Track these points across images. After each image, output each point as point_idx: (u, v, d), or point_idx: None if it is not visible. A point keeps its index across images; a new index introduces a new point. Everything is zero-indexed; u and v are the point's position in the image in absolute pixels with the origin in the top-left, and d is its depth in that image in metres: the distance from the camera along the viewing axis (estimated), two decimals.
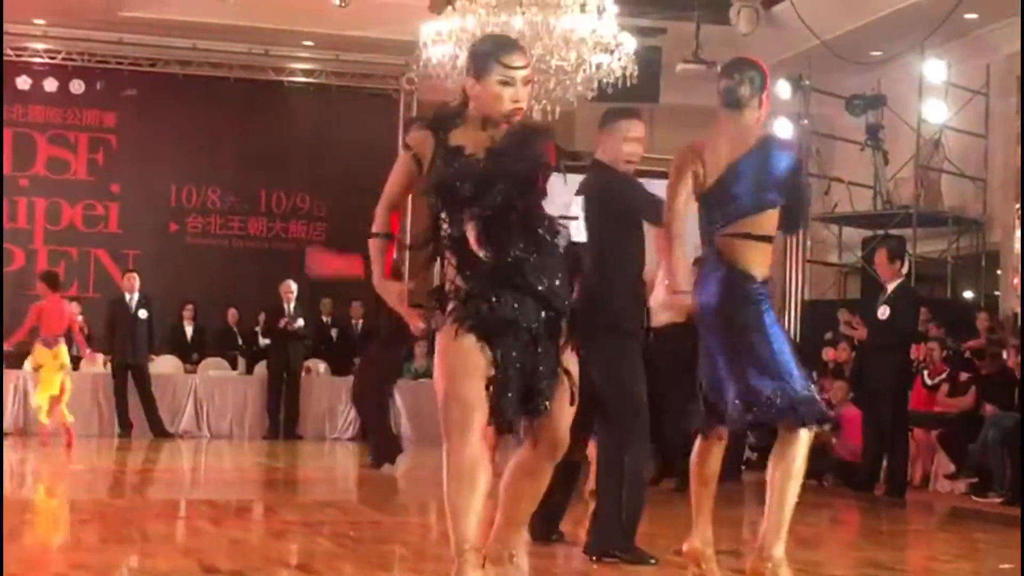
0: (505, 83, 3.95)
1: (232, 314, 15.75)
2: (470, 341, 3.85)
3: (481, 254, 3.85)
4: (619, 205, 5.44)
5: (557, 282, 3.93)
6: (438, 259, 4.01)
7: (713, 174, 4.63)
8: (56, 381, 12.37)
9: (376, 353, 11.04)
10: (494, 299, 3.86)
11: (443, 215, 3.96)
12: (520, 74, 3.96)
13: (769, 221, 4.64)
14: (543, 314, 3.91)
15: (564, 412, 3.97)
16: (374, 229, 4.11)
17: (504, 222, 3.86)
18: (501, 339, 3.86)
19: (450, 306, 3.91)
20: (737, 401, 4.55)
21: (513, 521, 4.12)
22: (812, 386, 4.66)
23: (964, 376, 10.89)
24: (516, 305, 3.88)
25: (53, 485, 9.32)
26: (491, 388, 3.84)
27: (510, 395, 3.86)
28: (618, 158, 5.50)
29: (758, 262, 4.61)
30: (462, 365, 3.84)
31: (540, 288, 3.90)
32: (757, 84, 4.69)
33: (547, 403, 3.91)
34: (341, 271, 10.23)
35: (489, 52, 3.99)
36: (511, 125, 3.97)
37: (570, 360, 3.97)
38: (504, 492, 4.07)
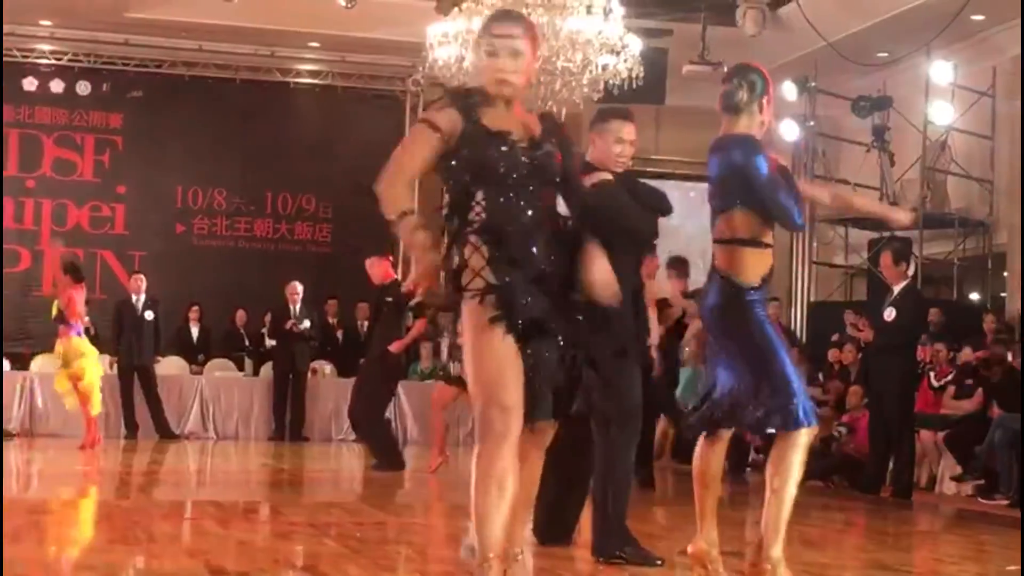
0: (490, 53, 3.78)
1: (239, 315, 15.77)
2: (509, 344, 3.73)
3: (534, 250, 3.76)
4: (616, 224, 5.16)
5: (574, 282, 3.92)
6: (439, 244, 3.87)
7: None
8: (99, 369, 12.30)
9: (365, 369, 11.03)
10: (529, 298, 3.75)
11: (479, 198, 3.80)
12: (504, 43, 3.76)
13: (732, 224, 4.57)
14: (567, 313, 3.87)
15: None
16: (401, 209, 3.71)
17: (557, 219, 3.83)
18: (535, 341, 3.78)
19: (479, 300, 3.74)
20: (732, 403, 4.57)
21: (512, 513, 4.03)
22: (805, 387, 4.67)
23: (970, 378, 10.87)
24: (545, 305, 3.80)
25: (59, 486, 9.32)
26: (525, 391, 3.75)
27: (542, 397, 3.81)
28: (609, 159, 5.41)
29: (744, 267, 4.56)
30: (501, 370, 3.72)
31: (568, 287, 3.87)
32: (758, 90, 4.63)
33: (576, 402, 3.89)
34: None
35: (484, 23, 3.88)
36: (541, 113, 3.91)
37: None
38: None
